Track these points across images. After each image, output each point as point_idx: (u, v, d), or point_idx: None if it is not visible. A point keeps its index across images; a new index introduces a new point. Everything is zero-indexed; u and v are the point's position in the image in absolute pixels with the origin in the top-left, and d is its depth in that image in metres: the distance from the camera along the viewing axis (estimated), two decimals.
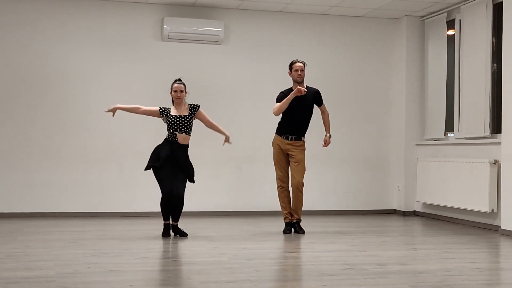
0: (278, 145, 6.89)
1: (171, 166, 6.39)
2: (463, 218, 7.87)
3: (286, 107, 6.70)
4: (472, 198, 7.54)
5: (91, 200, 8.32)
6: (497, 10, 7.51)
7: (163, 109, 6.48)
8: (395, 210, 9.21)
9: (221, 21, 8.60)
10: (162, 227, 6.52)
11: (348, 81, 9.16)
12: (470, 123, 7.86)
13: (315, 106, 6.99)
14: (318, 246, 5.98)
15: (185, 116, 6.42)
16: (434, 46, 8.81)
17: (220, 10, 8.71)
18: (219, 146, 8.68)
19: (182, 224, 6.69)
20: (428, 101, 8.85)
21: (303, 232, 6.78)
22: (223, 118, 8.71)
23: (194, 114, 6.50)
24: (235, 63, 8.84)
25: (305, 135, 6.94)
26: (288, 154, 6.86)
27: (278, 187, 6.96)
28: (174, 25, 8.39)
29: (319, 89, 7.00)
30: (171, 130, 6.39)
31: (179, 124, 6.41)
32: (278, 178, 6.94)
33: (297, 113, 6.82)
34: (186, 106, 6.50)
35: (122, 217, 8.24)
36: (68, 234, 6.63)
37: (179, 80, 6.53)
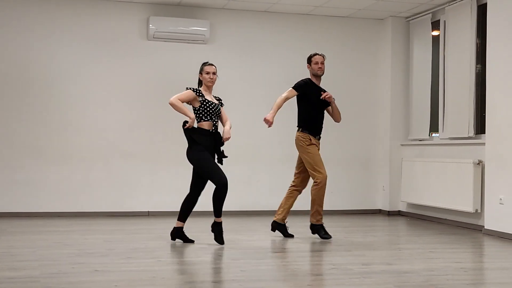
0: (314, 144, 6.48)
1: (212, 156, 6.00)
2: (447, 218, 7.93)
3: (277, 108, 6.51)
4: (456, 198, 7.59)
5: (76, 199, 8.28)
6: (481, 11, 7.57)
7: (195, 89, 5.97)
8: (380, 210, 9.26)
9: (207, 20, 8.59)
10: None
11: (333, 81, 9.16)
12: (454, 123, 7.91)
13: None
14: (303, 246, 5.99)
15: (216, 104, 6.02)
16: (419, 46, 8.86)
17: (206, 10, 8.70)
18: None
19: (167, 224, 6.67)
20: (413, 102, 8.90)
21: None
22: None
23: (221, 106, 6.11)
24: (221, 63, 8.79)
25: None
26: None
27: (323, 186, 6.39)
28: (160, 24, 8.37)
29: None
30: (213, 118, 5.92)
31: (216, 112, 5.97)
32: (325, 177, 6.39)
33: (321, 109, 6.59)
34: (212, 95, 6.11)
35: (108, 216, 8.20)
36: (53, 234, 6.59)
37: (209, 62, 6.18)
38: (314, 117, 6.54)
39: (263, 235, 6.71)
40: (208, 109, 5.92)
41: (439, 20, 8.45)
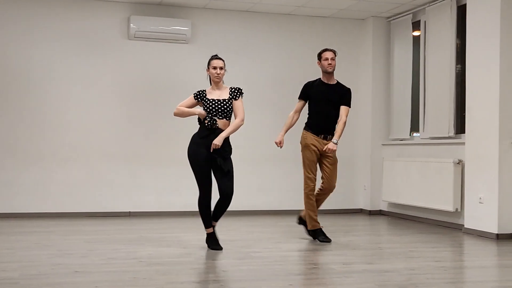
0: (314, 145, 6.23)
1: (205, 165, 5.71)
2: (428, 217, 7.98)
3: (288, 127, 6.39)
4: (436, 197, 7.64)
5: (56, 200, 8.21)
6: (461, 12, 7.62)
7: (197, 93, 5.76)
8: (361, 209, 9.29)
9: (188, 20, 8.57)
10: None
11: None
12: (435, 123, 7.97)
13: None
14: (285, 246, 5.99)
15: (224, 100, 5.64)
16: (399, 46, 8.91)
17: (187, 9, 8.68)
18: (187, 144, 8.66)
19: (148, 224, 6.65)
20: (394, 102, 8.95)
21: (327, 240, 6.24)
22: (191, 117, 8.69)
23: (235, 99, 5.67)
24: (203, 62, 8.75)
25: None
26: (321, 155, 6.25)
27: (308, 191, 6.25)
28: (141, 23, 8.33)
29: (351, 89, 6.45)
30: (210, 115, 5.61)
31: (219, 109, 5.62)
32: (310, 180, 6.23)
33: (324, 106, 6.26)
34: (225, 88, 5.74)
35: (88, 217, 8.15)
36: (33, 235, 6.53)
37: (217, 56, 5.82)
38: (317, 115, 6.26)
39: (245, 235, 6.70)
40: (207, 108, 5.63)
41: (419, 21, 8.50)
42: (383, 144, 9.10)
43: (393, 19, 8.97)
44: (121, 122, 8.51)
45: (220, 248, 5.61)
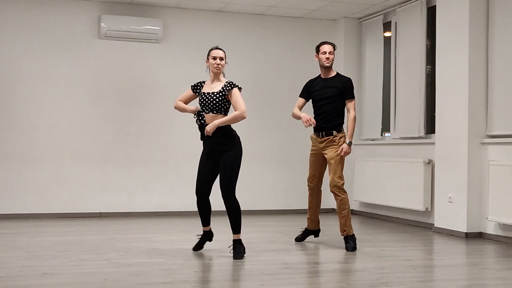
0: (314, 144, 6.07)
1: (206, 159, 5.52)
2: (399, 217, 8.04)
3: (298, 118, 6.03)
4: (407, 197, 7.71)
5: (25, 200, 8.09)
6: (431, 13, 7.70)
7: (195, 85, 5.51)
8: (333, 209, 9.31)
9: (159, 19, 8.52)
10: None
11: (287, 81, 9.21)
12: (405, 123, 8.03)
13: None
14: (257, 246, 5.99)
15: (213, 93, 5.33)
16: (371, 47, 8.97)
17: (159, 9, 8.63)
18: (158, 145, 8.62)
19: (119, 225, 6.58)
20: (365, 102, 9.00)
21: (351, 249, 5.74)
22: (162, 117, 8.67)
23: (227, 92, 5.33)
24: (174, 62, 8.77)
25: (340, 129, 5.98)
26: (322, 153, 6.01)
27: (308, 190, 6.25)
28: (112, 23, 8.25)
29: (350, 79, 6.07)
30: (205, 109, 5.37)
31: (207, 103, 5.33)
32: (308, 180, 6.21)
33: (322, 104, 5.95)
34: (223, 81, 5.42)
35: (58, 218, 8.05)
36: (0, 236, 6.43)
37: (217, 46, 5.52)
38: (317, 113, 5.98)
39: (216, 235, 6.68)
40: (200, 101, 5.39)
41: (390, 22, 8.57)
42: (354, 144, 9.13)
43: (364, 20, 9.02)
44: (92, 122, 8.42)
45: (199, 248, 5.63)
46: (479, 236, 6.66)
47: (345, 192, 5.94)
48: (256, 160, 8.87)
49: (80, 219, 8.00)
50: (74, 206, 8.27)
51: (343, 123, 6.02)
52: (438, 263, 5.42)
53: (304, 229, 6.34)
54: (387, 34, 8.70)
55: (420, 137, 7.77)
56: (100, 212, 8.36)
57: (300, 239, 6.27)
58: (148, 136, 8.55)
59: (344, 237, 5.82)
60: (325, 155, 5.94)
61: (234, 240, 5.33)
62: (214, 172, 5.54)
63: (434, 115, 7.36)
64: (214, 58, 5.36)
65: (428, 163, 7.43)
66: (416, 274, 4.73)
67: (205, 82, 5.48)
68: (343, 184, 5.91)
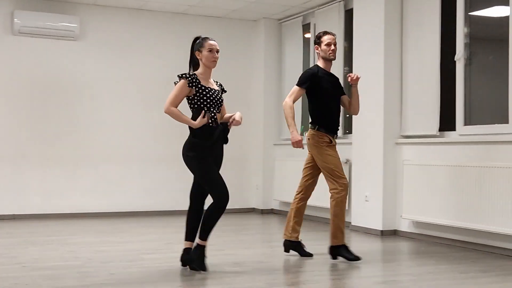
0: (334, 145, 5.43)
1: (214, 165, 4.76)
2: (318, 215, 8.16)
3: (289, 124, 5.33)
4: (325, 196, 7.79)
5: None
6: (349, 16, 7.86)
7: (191, 79, 4.66)
8: (253, 208, 9.38)
9: (76, 16, 8.31)
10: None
11: None
12: None
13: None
14: (176, 247, 5.92)
15: (217, 90, 4.78)
16: (291, 48, 9.07)
17: (76, 5, 8.41)
18: (75, 145, 8.41)
19: (33, 228, 6.37)
20: None
21: (352, 259, 5.18)
22: (79, 117, 8.46)
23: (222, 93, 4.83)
24: (92, 60, 8.58)
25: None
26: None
27: (345, 196, 5.30)
28: (26, 19, 7.98)
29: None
30: (211, 110, 4.64)
31: (216, 100, 4.70)
32: (347, 184, 5.31)
33: (334, 103, 5.43)
34: (211, 79, 4.85)
35: None
36: None
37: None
38: (330, 111, 5.33)
39: (135, 236, 6.59)
40: (205, 97, 4.64)
41: (310, 23, 8.69)
42: (275, 144, 9.22)
43: (284, 21, 9.12)
44: (5, 121, 8.12)
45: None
46: (394, 233, 6.85)
47: None
48: (172, 161, 8.78)
49: None
50: None
51: None
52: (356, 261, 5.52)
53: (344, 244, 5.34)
54: (308, 35, 8.82)
55: (338, 137, 7.90)
56: (14, 214, 8.06)
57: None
58: (64, 136, 8.32)
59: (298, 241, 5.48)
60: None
61: (203, 247, 4.67)
62: None
63: (351, 116, 7.51)
64: (210, 51, 4.78)
65: (346, 162, 7.57)
66: (332, 272, 4.81)
67: (197, 75, 4.73)
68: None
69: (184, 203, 9.10)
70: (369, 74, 7.07)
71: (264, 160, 9.21)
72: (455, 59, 6.34)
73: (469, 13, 6.36)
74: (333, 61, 5.50)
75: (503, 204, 5.48)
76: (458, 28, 6.33)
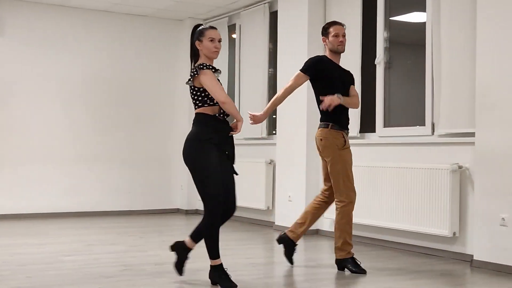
0: (348, 147, 4.93)
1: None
2: (242, 215, 8.20)
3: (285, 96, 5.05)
4: (250, 196, 7.88)
5: None
6: (274, 18, 7.94)
7: (209, 67, 4.32)
8: (178, 209, 9.33)
9: None
10: None
11: (133, 81, 9.08)
12: (248, 124, 8.18)
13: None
14: (97, 248, 5.84)
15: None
16: None
17: None
18: None
19: None
20: None
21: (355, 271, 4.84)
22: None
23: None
24: (12, 57, 8.32)
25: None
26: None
27: (352, 208, 4.86)
28: None
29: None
30: (216, 103, 4.32)
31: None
32: (355, 196, 4.89)
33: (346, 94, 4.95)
34: None
35: None
36: None
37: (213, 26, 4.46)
38: (342, 106, 4.83)
39: (54, 238, 6.43)
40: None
41: (235, 24, 8.72)
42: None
43: (210, 22, 9.11)
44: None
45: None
46: (316, 233, 6.97)
47: None
48: (99, 161, 8.66)
49: None
50: None
51: None
52: (277, 260, 5.58)
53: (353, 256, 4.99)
54: (234, 35, 8.84)
55: (262, 138, 7.98)
56: None
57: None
58: None
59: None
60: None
61: (217, 266, 4.30)
62: None
63: (275, 117, 7.58)
64: (212, 40, 4.30)
65: (270, 163, 7.65)
66: (255, 272, 4.85)
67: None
68: None
69: (104, 204, 8.99)
70: (291, 75, 7.14)
71: None
72: (375, 63, 6.51)
73: (390, 18, 6.54)
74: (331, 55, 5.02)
75: (417, 203, 5.67)
76: (379, 32, 6.51)
